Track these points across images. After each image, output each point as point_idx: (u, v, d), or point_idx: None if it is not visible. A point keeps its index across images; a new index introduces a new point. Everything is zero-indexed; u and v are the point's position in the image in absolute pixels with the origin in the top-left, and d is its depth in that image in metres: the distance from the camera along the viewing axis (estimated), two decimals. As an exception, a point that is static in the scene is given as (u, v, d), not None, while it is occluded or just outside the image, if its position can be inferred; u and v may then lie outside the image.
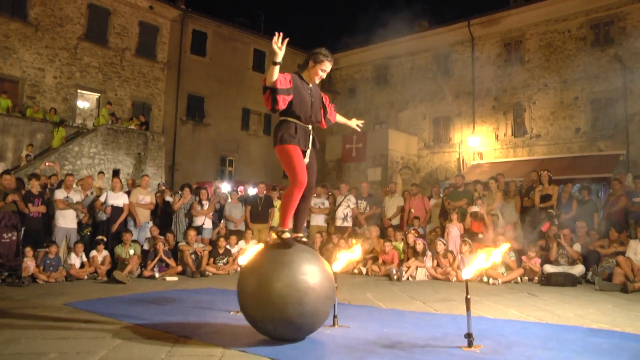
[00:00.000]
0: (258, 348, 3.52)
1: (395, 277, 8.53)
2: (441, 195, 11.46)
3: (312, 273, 3.66)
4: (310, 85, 4.29)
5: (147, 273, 8.89)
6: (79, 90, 19.92)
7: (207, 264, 9.54)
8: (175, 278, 8.85)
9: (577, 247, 8.50)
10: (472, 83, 22.81)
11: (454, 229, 9.55)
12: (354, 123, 4.88)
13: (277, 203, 11.54)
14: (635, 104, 18.30)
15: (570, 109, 20.04)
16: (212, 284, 8.06)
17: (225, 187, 14.94)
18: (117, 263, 8.96)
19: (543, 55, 20.86)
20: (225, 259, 9.84)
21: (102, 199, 9.85)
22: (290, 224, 4.12)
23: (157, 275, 8.89)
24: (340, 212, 11.07)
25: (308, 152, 4.15)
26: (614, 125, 19.02)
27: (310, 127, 4.20)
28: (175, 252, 9.63)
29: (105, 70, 20.57)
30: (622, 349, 3.58)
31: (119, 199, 9.88)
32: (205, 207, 10.37)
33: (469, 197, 10.39)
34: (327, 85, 28.92)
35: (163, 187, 12.91)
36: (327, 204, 11.44)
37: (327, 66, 4.27)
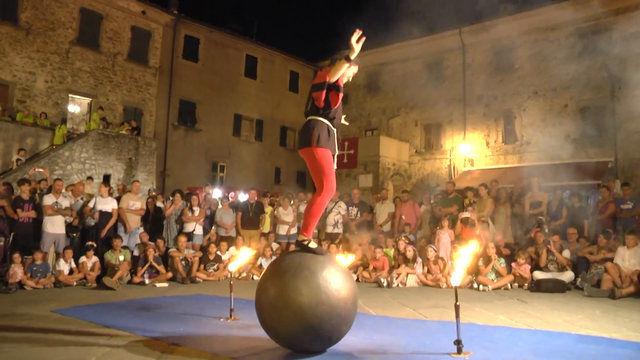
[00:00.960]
0: (248, 355, 3.52)
1: (385, 283, 8.54)
2: (432, 201, 11.50)
3: (338, 282, 3.51)
4: None
5: (137, 279, 8.84)
6: (70, 95, 19.82)
7: (198, 270, 9.50)
8: (165, 284, 8.80)
9: (566, 253, 8.55)
10: (463, 90, 22.95)
11: (445, 236, 9.58)
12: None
13: (268, 209, 11.55)
14: (623, 112, 18.49)
15: (560, 117, 20.21)
16: (203, 290, 8.02)
17: (216, 193, 14.92)
18: (106, 269, 8.90)
19: (533, 63, 21.04)
20: (216, 265, 9.81)
21: (90, 204, 9.80)
22: (311, 231, 3.94)
23: (147, 281, 8.84)
24: (331, 219, 11.07)
25: (335, 157, 4.03)
26: (603, 133, 19.21)
27: (335, 131, 4.08)
28: (165, 258, 9.59)
29: (97, 74, 20.50)
30: (609, 355, 3.62)
31: (107, 204, 9.84)
32: (196, 213, 10.34)
33: (460, 204, 10.44)
34: (319, 91, 28.91)
35: (154, 193, 12.88)
36: (318, 210, 11.42)
37: (354, 69, 4.11)
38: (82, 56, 20.02)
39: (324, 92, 3.86)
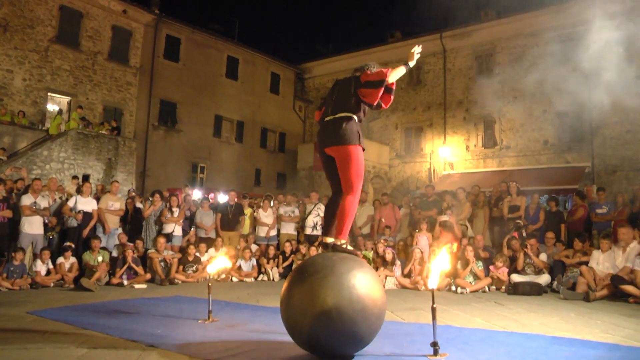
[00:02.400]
0: (225, 357, 3.52)
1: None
2: (411, 204, 11.59)
3: (367, 284, 3.43)
4: None
5: (115, 281, 8.76)
6: (49, 94, 19.51)
7: (177, 272, 9.44)
8: (143, 286, 8.74)
9: (543, 257, 8.68)
10: (444, 94, 23.19)
11: (423, 238, 9.66)
12: None
13: (248, 211, 11.54)
14: (599, 118, 18.87)
15: (539, 122, 20.52)
16: (181, 292, 7.98)
17: (196, 194, 14.84)
18: (84, 270, 8.81)
19: (513, 68, 21.31)
20: (195, 266, 9.76)
21: (70, 203, 9.66)
22: (347, 233, 3.93)
23: (125, 282, 8.77)
24: (310, 221, 11.09)
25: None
26: (580, 138, 19.58)
27: None
28: (144, 260, 9.51)
29: (77, 73, 20.21)
30: (582, 356, 3.69)
31: (88, 205, 9.73)
32: (176, 214, 10.28)
33: (439, 207, 10.54)
34: (300, 93, 29.05)
35: (134, 194, 12.77)
36: (297, 212, 11.46)
37: None
38: (61, 55, 19.74)
39: (380, 90, 3.91)
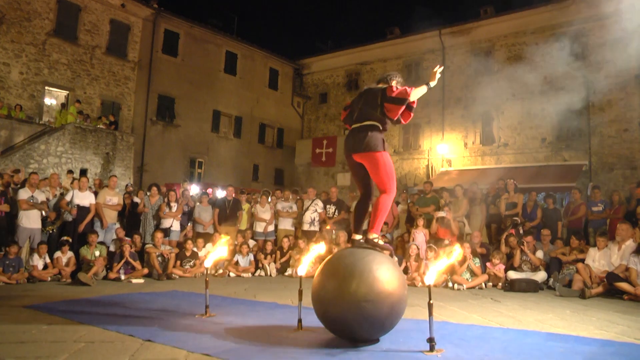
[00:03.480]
0: (222, 352, 3.53)
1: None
2: (408, 201, 11.61)
3: (392, 276, 3.80)
4: None
5: (112, 275, 8.77)
6: (46, 87, 19.45)
7: (174, 267, 9.45)
8: (141, 280, 8.75)
9: (539, 254, 8.71)
10: (442, 91, 23.18)
11: (420, 235, 9.68)
12: None
13: (245, 206, 11.54)
14: (597, 117, 18.92)
15: (537, 120, 20.54)
16: (179, 286, 7.99)
17: (194, 189, 14.84)
18: (82, 265, 8.80)
19: (511, 66, 21.30)
20: (192, 261, 9.77)
21: (67, 198, 9.66)
22: (379, 229, 4.32)
23: (122, 277, 8.77)
24: (308, 217, 11.11)
25: None
26: (578, 137, 19.61)
27: None
28: (141, 255, 9.51)
29: (75, 67, 20.16)
30: (576, 352, 3.72)
31: (85, 199, 9.71)
32: (174, 209, 10.28)
33: (436, 204, 10.55)
34: (298, 89, 29.04)
35: (131, 188, 12.76)
36: (294, 208, 11.48)
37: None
38: (59, 48, 19.67)
39: (402, 107, 4.23)
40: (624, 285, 7.08)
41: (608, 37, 17.88)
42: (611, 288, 7.27)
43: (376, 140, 4.19)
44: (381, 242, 4.23)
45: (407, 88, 4.19)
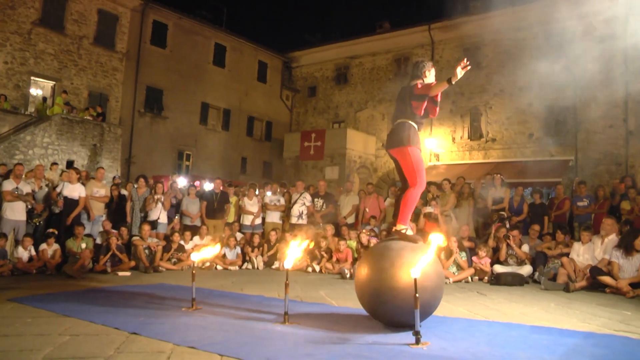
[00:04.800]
0: (208, 345, 3.53)
1: (348, 275, 8.63)
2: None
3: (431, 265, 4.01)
4: None
5: (99, 268, 8.71)
6: (32, 78, 19.20)
7: (161, 259, 9.41)
8: (127, 273, 8.70)
9: (525, 248, 8.79)
10: (431, 85, 23.20)
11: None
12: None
13: (233, 199, 11.52)
14: (583, 113, 19.08)
15: (525, 115, 20.67)
16: (165, 279, 7.97)
17: (181, 181, 14.77)
18: (68, 257, 8.74)
19: (500, 61, 21.42)
20: (180, 254, 9.73)
21: (58, 189, 9.55)
22: (407, 221, 4.53)
23: (109, 270, 8.73)
24: (296, 210, 11.12)
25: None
26: (565, 132, 19.77)
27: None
28: (128, 247, 9.46)
29: (61, 57, 19.90)
30: (559, 344, 3.78)
31: (74, 191, 9.60)
32: (159, 202, 10.21)
33: (424, 198, 10.59)
34: (287, 82, 28.96)
35: (119, 181, 12.67)
36: (282, 201, 11.47)
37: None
38: (45, 38, 19.39)
39: (424, 103, 4.43)
40: (606, 279, 7.18)
41: (594, 34, 18.03)
42: (594, 281, 7.36)
43: (405, 136, 4.42)
44: (410, 233, 4.42)
45: (429, 84, 4.39)
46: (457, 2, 21.44)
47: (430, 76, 4.65)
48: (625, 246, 7.36)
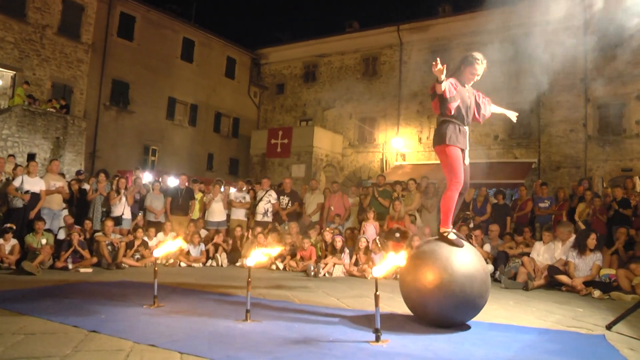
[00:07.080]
0: (168, 342, 3.50)
1: (312, 273, 8.67)
2: (375, 193, 11.56)
3: (471, 266, 4.20)
4: (466, 87, 4.55)
5: (59, 264, 8.51)
6: (-10, 67, 18.62)
7: (124, 256, 9.26)
8: (89, 270, 8.52)
9: (487, 247, 8.98)
10: (399, 86, 23.47)
11: (370, 227, 9.81)
12: (512, 115, 5.13)
13: (198, 195, 11.42)
14: (547, 116, 19.60)
15: (490, 117, 20.98)
16: (128, 276, 7.85)
17: (146, 177, 14.56)
18: (27, 253, 8.50)
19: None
20: (143, 250, 9.58)
21: (16, 183, 9.24)
22: (449, 223, 4.47)
23: (70, 266, 8.53)
24: (261, 207, 11.10)
25: (466, 152, 4.53)
26: (529, 135, 20.26)
27: (467, 128, 4.55)
28: (91, 243, 9.27)
29: (23, 47, 19.27)
30: (515, 340, 3.92)
31: (35, 185, 9.34)
32: (124, 197, 10.05)
33: (390, 197, 10.71)
34: (255, 79, 28.82)
35: (83, 176, 12.39)
36: (247, 198, 11.42)
37: (478, 69, 4.49)
38: (4, 25, 18.66)
39: (435, 102, 4.44)
40: (562, 278, 7.51)
41: (556, 39, 18.49)
42: (552, 280, 7.63)
43: (445, 134, 4.38)
44: (453, 236, 4.38)
45: (433, 84, 4.32)
46: (426, 5, 21.70)
47: (467, 72, 4.52)
48: (579, 246, 7.69)
